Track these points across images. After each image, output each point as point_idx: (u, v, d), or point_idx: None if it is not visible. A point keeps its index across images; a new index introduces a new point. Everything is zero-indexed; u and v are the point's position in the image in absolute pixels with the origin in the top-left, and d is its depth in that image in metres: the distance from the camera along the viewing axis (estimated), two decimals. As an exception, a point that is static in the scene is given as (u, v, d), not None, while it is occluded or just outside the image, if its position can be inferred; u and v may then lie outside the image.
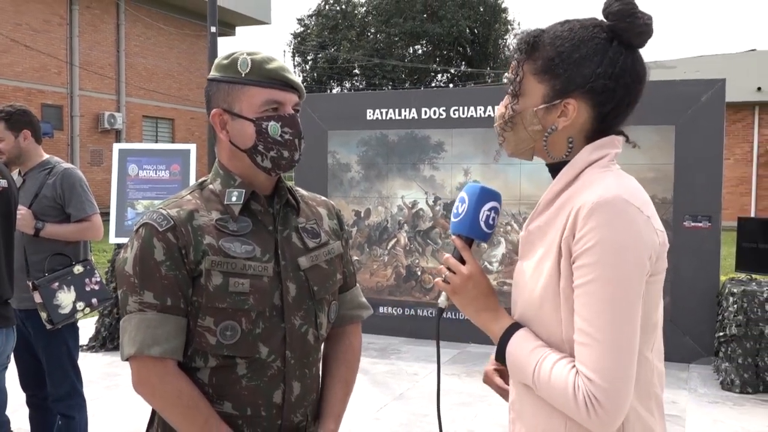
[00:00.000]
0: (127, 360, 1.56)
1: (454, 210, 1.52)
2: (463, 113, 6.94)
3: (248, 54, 1.61)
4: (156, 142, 23.27)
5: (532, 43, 1.38)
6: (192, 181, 6.59)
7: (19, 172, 3.74)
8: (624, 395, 1.25)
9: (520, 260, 1.46)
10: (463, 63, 35.17)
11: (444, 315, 1.80)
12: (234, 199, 1.61)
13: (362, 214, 7.31)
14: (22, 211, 3.50)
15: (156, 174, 6.80)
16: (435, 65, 34.17)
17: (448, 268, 1.47)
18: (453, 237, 1.49)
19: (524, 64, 1.40)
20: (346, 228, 1.88)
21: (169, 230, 1.54)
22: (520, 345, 1.37)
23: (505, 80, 1.49)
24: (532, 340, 1.37)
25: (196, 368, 1.57)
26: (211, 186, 1.66)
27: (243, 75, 1.59)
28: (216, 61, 1.65)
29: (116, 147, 6.86)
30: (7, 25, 18.94)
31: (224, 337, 1.54)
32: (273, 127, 1.58)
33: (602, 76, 1.34)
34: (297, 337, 1.63)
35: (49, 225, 3.58)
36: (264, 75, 1.58)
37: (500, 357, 1.40)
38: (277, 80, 1.59)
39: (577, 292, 1.29)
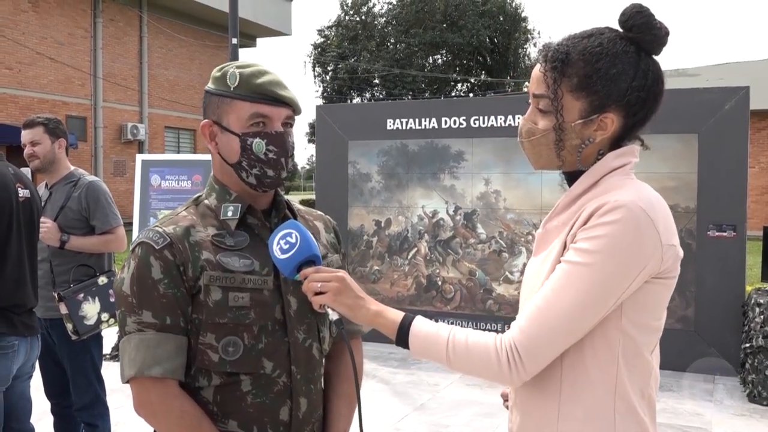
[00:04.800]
0: (127, 382, 1.54)
1: (277, 252, 1.52)
2: (484, 122, 6.93)
3: (238, 67, 1.60)
4: (178, 152, 23.52)
5: (564, 60, 1.40)
6: None
7: (46, 185, 3.81)
8: (539, 363, 1.34)
9: (532, 256, 1.50)
10: (483, 72, 35.15)
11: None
12: (230, 214, 1.59)
13: (383, 224, 7.31)
14: (48, 224, 3.55)
15: (178, 184, 6.87)
16: (455, 75, 34.19)
17: (316, 292, 1.49)
18: (301, 273, 1.50)
19: (560, 82, 1.40)
20: (343, 243, 1.87)
21: (165, 247, 1.52)
22: (424, 325, 1.44)
23: (525, 90, 1.51)
24: (433, 322, 1.45)
25: (200, 387, 1.55)
26: (206, 201, 1.64)
27: (231, 89, 1.57)
28: (212, 72, 1.65)
29: (139, 158, 6.94)
30: (32, 39, 19.28)
31: (227, 353, 1.52)
32: (257, 145, 1.55)
33: (636, 89, 1.38)
34: (301, 351, 1.61)
35: (74, 237, 3.63)
36: (251, 89, 1.56)
37: (401, 342, 1.44)
38: (265, 95, 1.56)
39: (558, 266, 1.35)
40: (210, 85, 1.63)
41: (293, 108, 1.61)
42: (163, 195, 6.84)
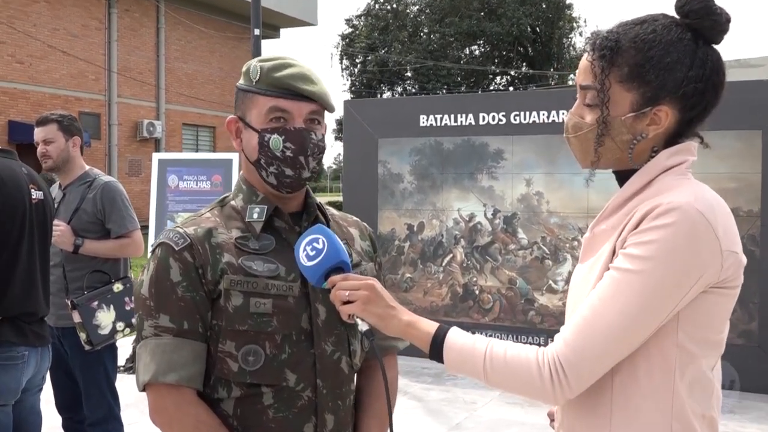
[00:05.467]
0: (143, 390, 1.56)
1: (303, 259, 1.54)
2: (525, 118, 6.89)
3: (261, 61, 1.64)
4: (196, 151, 23.77)
5: (614, 48, 1.38)
6: None
7: (60, 186, 3.87)
8: (585, 379, 1.32)
9: (579, 263, 1.49)
10: (524, 64, 35.00)
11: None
12: (255, 216, 1.63)
13: (415, 228, 7.30)
14: (62, 227, 3.61)
15: (197, 185, 6.97)
16: (493, 67, 34.08)
17: (343, 302, 1.49)
18: (329, 280, 1.52)
19: (609, 72, 1.39)
20: (379, 251, 1.89)
21: (185, 249, 1.56)
22: (460, 337, 1.43)
23: (570, 82, 1.50)
24: (469, 334, 1.44)
25: (219, 399, 1.57)
26: (232, 202, 1.68)
27: (254, 83, 1.62)
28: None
29: (156, 156, 7.05)
30: (44, 31, 19.62)
31: (246, 362, 1.54)
32: (274, 141, 1.59)
33: (693, 79, 1.36)
34: (329, 364, 1.62)
35: (89, 242, 3.68)
36: (271, 83, 1.60)
37: (435, 355, 1.44)
38: (285, 89, 1.59)
39: (606, 273, 1.33)
40: (240, 81, 1.68)
41: (321, 103, 1.62)
42: (181, 196, 6.94)
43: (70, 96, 20.38)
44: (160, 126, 22.40)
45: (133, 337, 6.82)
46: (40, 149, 3.73)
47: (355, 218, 1.89)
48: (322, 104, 1.63)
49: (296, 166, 1.60)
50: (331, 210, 1.82)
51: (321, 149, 1.64)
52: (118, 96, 21.63)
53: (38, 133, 3.74)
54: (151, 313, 1.54)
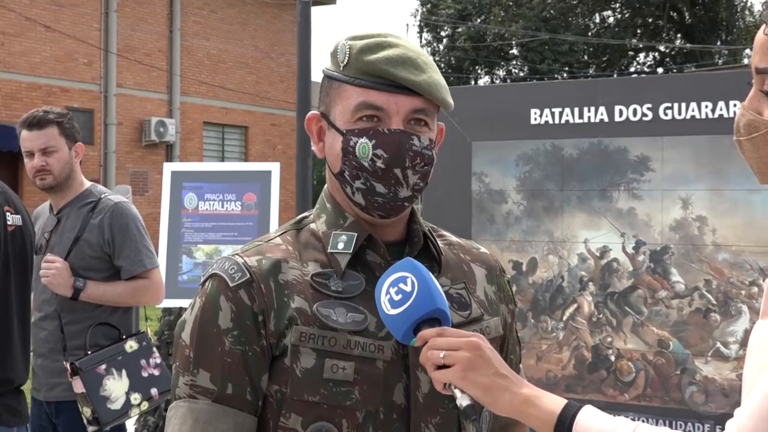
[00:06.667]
0: None
1: (385, 305, 1.57)
2: (680, 112, 6.79)
3: (351, 38, 1.69)
4: (222, 160, 23.90)
5: None
6: (273, 214, 6.69)
7: (51, 208, 3.94)
8: None
9: (760, 318, 1.48)
10: (679, 36, 34.51)
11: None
12: (341, 246, 1.67)
13: (524, 268, 7.20)
14: (58, 264, 3.65)
15: (223, 207, 6.83)
16: (635, 40, 33.69)
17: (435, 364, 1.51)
18: (419, 335, 1.54)
19: None
20: (514, 299, 1.92)
21: (242, 286, 1.61)
22: (596, 419, 1.45)
23: (746, 60, 1.49)
24: (608, 416, 1.46)
25: None
26: (312, 226, 1.74)
27: (341, 68, 1.68)
28: None
29: (167, 168, 6.91)
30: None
31: None
32: (362, 147, 1.63)
33: None
34: None
35: (93, 284, 3.72)
36: (362, 69, 1.65)
37: None
38: (379, 77, 1.63)
39: None
40: (327, 65, 1.74)
41: (430, 98, 1.66)
42: (202, 222, 6.83)
43: (53, 86, 20.68)
44: (173, 126, 22.61)
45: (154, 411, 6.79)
46: (36, 162, 3.76)
47: (483, 251, 1.92)
48: (432, 99, 1.66)
49: (390, 181, 1.63)
50: (450, 238, 1.87)
51: (427, 160, 1.67)
52: (117, 86, 21.89)
53: (33, 140, 3.78)
54: (189, 366, 1.60)
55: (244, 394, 1.58)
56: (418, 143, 1.64)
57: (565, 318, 7.00)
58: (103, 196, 3.91)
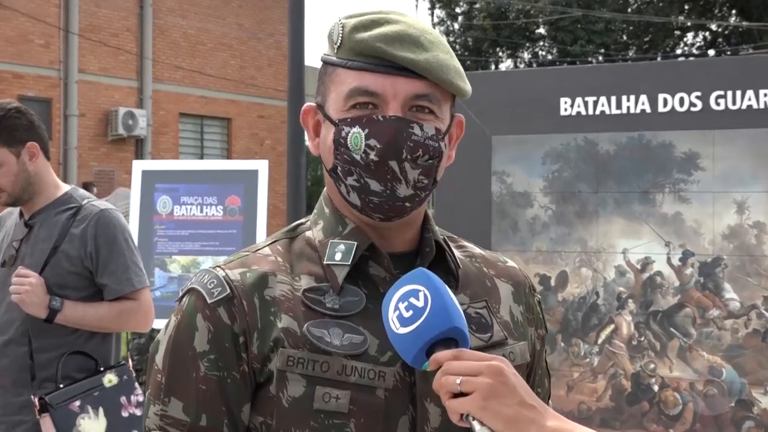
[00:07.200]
0: None
1: (393, 323, 1.55)
2: (734, 102, 6.58)
3: (347, 17, 1.68)
4: (201, 157, 24.19)
5: None
6: (261, 221, 6.78)
7: (21, 215, 3.85)
8: None
9: None
10: (733, 13, 34.71)
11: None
12: (338, 257, 1.66)
13: (552, 283, 6.98)
14: (32, 280, 3.59)
15: (202, 212, 6.82)
16: (681, 18, 33.78)
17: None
18: (432, 358, 1.52)
19: None
20: (544, 320, 1.92)
21: (222, 303, 1.60)
22: None
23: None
24: None
25: None
26: (308, 233, 1.74)
27: (335, 50, 1.67)
28: None
29: (137, 166, 6.99)
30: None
31: None
32: (354, 137, 1.61)
33: None
34: None
35: (71, 304, 3.67)
36: (353, 49, 1.63)
37: None
38: (373, 57, 1.61)
39: None
40: (325, 50, 1.76)
41: (434, 80, 1.62)
42: (177, 229, 6.79)
43: (4, 71, 20.86)
44: (144, 118, 22.87)
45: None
46: None
47: (511, 264, 1.91)
48: (437, 81, 1.62)
49: (386, 176, 1.61)
50: (473, 249, 1.85)
51: (430, 152, 1.63)
52: (79, 71, 22.18)
53: None
54: (160, 394, 1.59)
55: (220, 426, 1.59)
56: (420, 132, 1.62)
57: (600, 341, 6.88)
58: (85, 201, 3.83)
